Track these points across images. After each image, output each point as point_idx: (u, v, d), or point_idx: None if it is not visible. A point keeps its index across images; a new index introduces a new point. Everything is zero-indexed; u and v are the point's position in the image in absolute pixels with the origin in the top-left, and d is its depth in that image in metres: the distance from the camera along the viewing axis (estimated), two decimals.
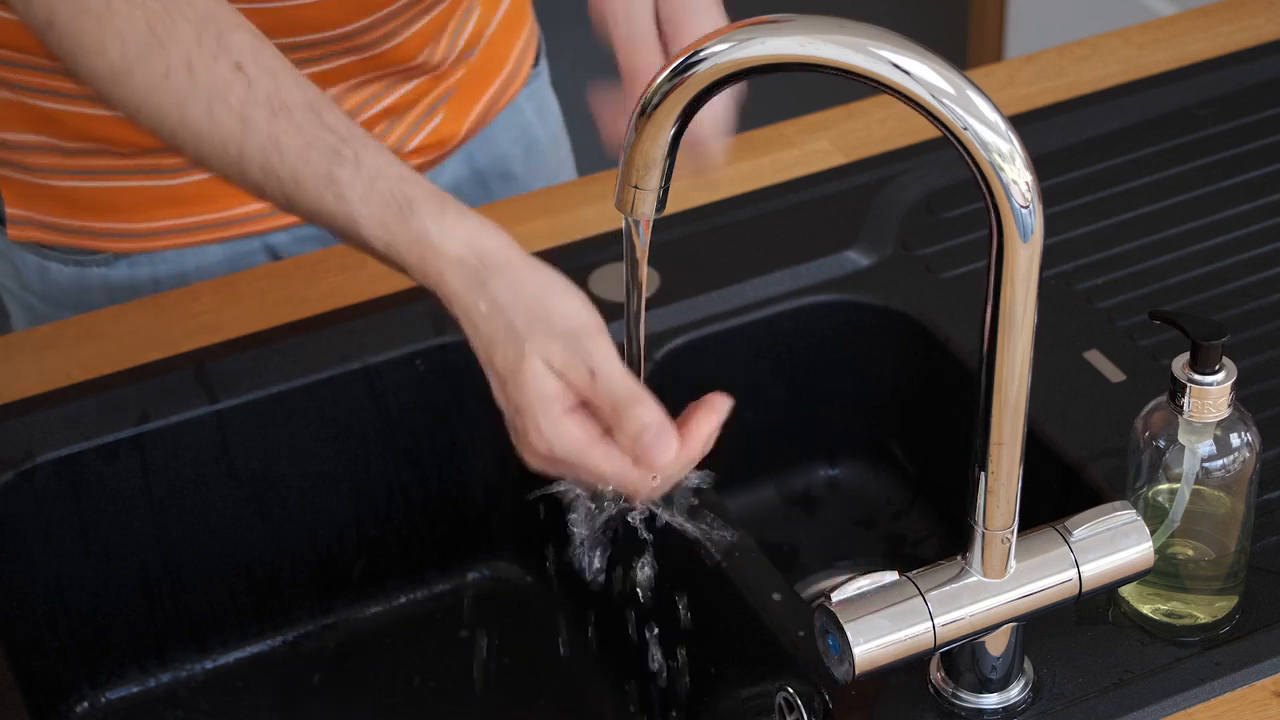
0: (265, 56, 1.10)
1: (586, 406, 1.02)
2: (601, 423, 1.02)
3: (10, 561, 1.23)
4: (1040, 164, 1.09)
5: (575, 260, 1.34)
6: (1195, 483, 1.06)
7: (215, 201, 1.38)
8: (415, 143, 1.43)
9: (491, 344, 1.04)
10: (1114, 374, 1.25)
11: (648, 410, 1.00)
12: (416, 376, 1.29)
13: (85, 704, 1.29)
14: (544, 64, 1.56)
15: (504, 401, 1.03)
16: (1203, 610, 1.09)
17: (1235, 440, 1.05)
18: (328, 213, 1.08)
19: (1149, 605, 1.10)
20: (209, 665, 1.31)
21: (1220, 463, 1.05)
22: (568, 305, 1.03)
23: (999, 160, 0.89)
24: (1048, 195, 1.26)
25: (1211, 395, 1.04)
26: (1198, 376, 1.04)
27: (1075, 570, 1.02)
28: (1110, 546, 1.02)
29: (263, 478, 1.28)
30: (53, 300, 1.42)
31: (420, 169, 1.43)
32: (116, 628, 1.28)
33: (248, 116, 1.08)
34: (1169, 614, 1.10)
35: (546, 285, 1.04)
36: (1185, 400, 1.04)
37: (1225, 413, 1.04)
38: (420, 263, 1.05)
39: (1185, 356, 1.04)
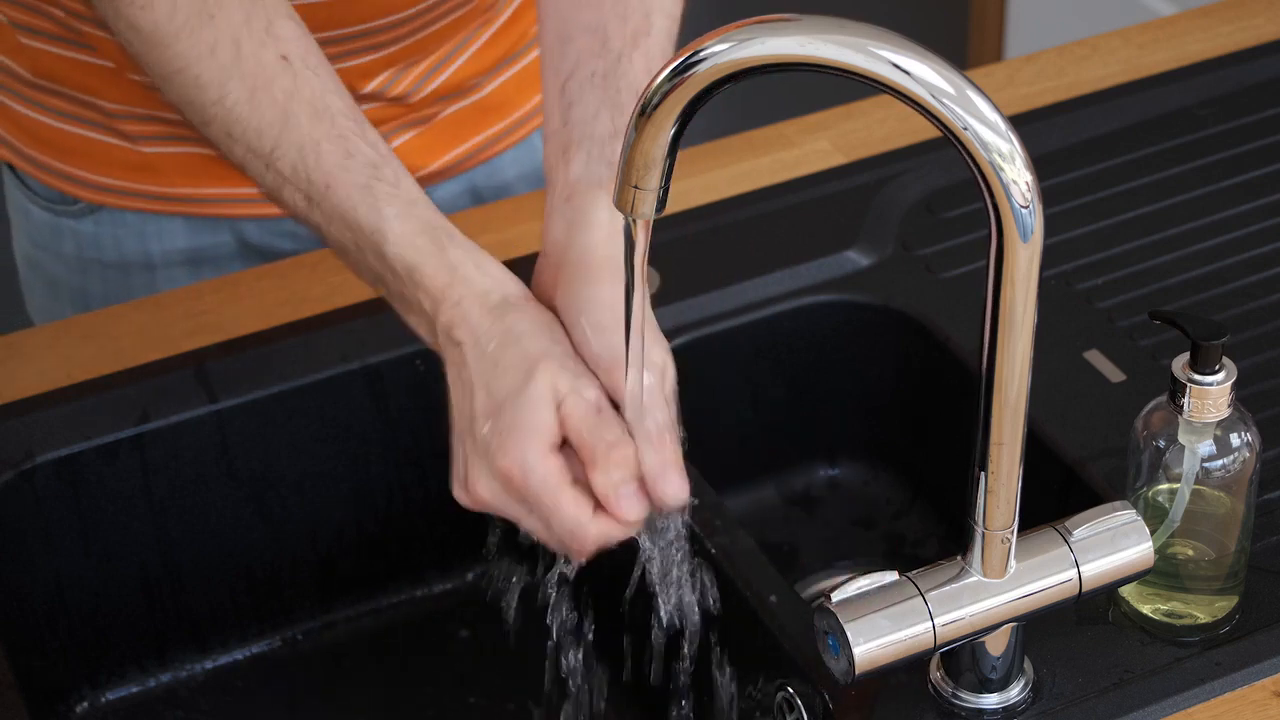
0: (312, 54, 1.10)
1: (564, 449, 1.03)
2: (575, 468, 1.03)
3: (10, 561, 1.23)
4: (1040, 164, 1.09)
5: None
6: (1195, 483, 1.06)
7: (177, 177, 1.38)
8: None
9: (494, 370, 1.04)
10: (1114, 374, 1.25)
11: (632, 461, 1.02)
12: (416, 376, 1.29)
13: (85, 704, 1.29)
14: None
15: (484, 429, 1.04)
16: (1202, 610, 1.09)
17: (1235, 440, 1.05)
18: (351, 219, 1.08)
19: (1149, 605, 1.10)
20: (209, 665, 1.31)
21: (1220, 463, 1.05)
22: (591, 343, 1.04)
23: (999, 160, 0.89)
24: (1048, 195, 1.26)
25: (1211, 395, 1.04)
26: (1198, 376, 1.03)
27: (1075, 570, 1.02)
28: (1110, 546, 1.02)
29: (263, 478, 1.28)
30: (36, 243, 1.45)
31: None
32: (116, 628, 1.28)
33: (290, 112, 1.08)
34: (1169, 614, 1.10)
35: (564, 324, 1.06)
36: (1185, 400, 1.04)
37: (1225, 413, 1.04)
38: (444, 288, 1.07)
39: (1185, 356, 1.04)
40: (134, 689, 1.30)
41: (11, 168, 1.44)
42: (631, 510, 1.02)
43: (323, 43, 1.30)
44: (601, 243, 1.09)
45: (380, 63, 1.35)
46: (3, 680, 1.10)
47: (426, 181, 1.45)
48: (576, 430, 1.03)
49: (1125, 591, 1.10)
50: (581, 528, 1.03)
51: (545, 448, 1.02)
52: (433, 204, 1.10)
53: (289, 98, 1.09)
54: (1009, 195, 0.89)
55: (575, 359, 1.05)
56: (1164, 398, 1.05)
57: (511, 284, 1.08)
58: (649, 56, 1.15)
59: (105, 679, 1.29)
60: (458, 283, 1.07)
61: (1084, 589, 1.02)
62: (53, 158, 1.39)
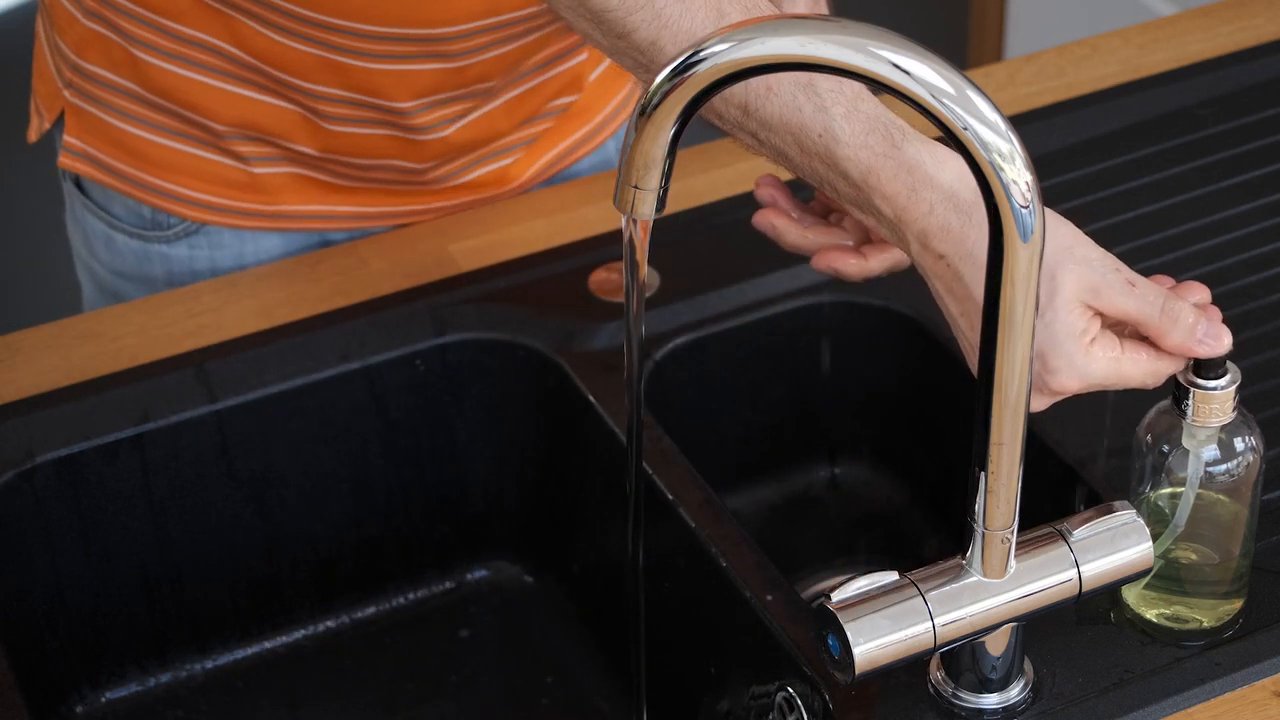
0: None
1: (1108, 327, 1.04)
2: (1127, 335, 1.04)
3: (10, 561, 1.23)
4: (1040, 164, 1.09)
5: (575, 260, 1.34)
6: (1199, 487, 1.05)
7: (284, 195, 1.38)
8: (473, 175, 1.42)
9: (967, 277, 1.02)
10: None
11: (1188, 306, 1.04)
12: (416, 376, 1.29)
13: (85, 704, 1.29)
14: None
15: None
16: (1206, 614, 1.09)
17: (1239, 444, 1.05)
18: (797, 124, 1.03)
19: (1152, 610, 1.09)
20: (209, 665, 1.31)
21: (1224, 467, 1.05)
22: (1080, 236, 1.04)
23: (999, 160, 0.89)
24: (1048, 195, 1.26)
25: (1216, 399, 1.03)
26: (1201, 381, 1.03)
27: (1075, 570, 1.02)
28: (1110, 547, 1.02)
29: (263, 478, 1.28)
30: (117, 271, 1.42)
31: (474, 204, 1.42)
32: (116, 628, 1.28)
33: (723, 11, 1.04)
34: (1172, 618, 1.09)
35: (1051, 216, 1.03)
36: (1189, 404, 1.04)
37: (1229, 417, 1.04)
38: (908, 193, 1.02)
39: (1189, 360, 1.04)
40: (134, 689, 1.30)
41: (87, 196, 1.41)
42: (1222, 341, 1.03)
43: (469, 33, 1.29)
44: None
45: (516, 54, 1.35)
46: (3, 680, 1.10)
47: (519, 190, 1.45)
48: (1122, 313, 1.03)
49: (1128, 596, 1.10)
50: (1156, 375, 1.05)
51: (1088, 347, 1.03)
52: (870, 93, 1.03)
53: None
54: (1009, 195, 0.89)
55: (1077, 235, 1.04)
56: (1167, 401, 1.05)
57: (970, 175, 1.00)
58: None
59: (105, 679, 1.29)
60: (922, 186, 1.01)
61: (1084, 589, 1.02)
62: (154, 175, 1.37)
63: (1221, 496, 1.06)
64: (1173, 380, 1.04)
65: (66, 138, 1.39)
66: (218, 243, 1.39)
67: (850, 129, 1.02)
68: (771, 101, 1.03)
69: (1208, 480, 1.05)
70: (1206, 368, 1.03)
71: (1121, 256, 1.34)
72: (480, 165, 1.41)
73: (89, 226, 1.42)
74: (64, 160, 1.40)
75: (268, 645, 1.33)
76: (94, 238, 1.42)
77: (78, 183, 1.42)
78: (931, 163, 1.02)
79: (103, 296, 1.45)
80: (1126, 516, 1.03)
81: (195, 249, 1.39)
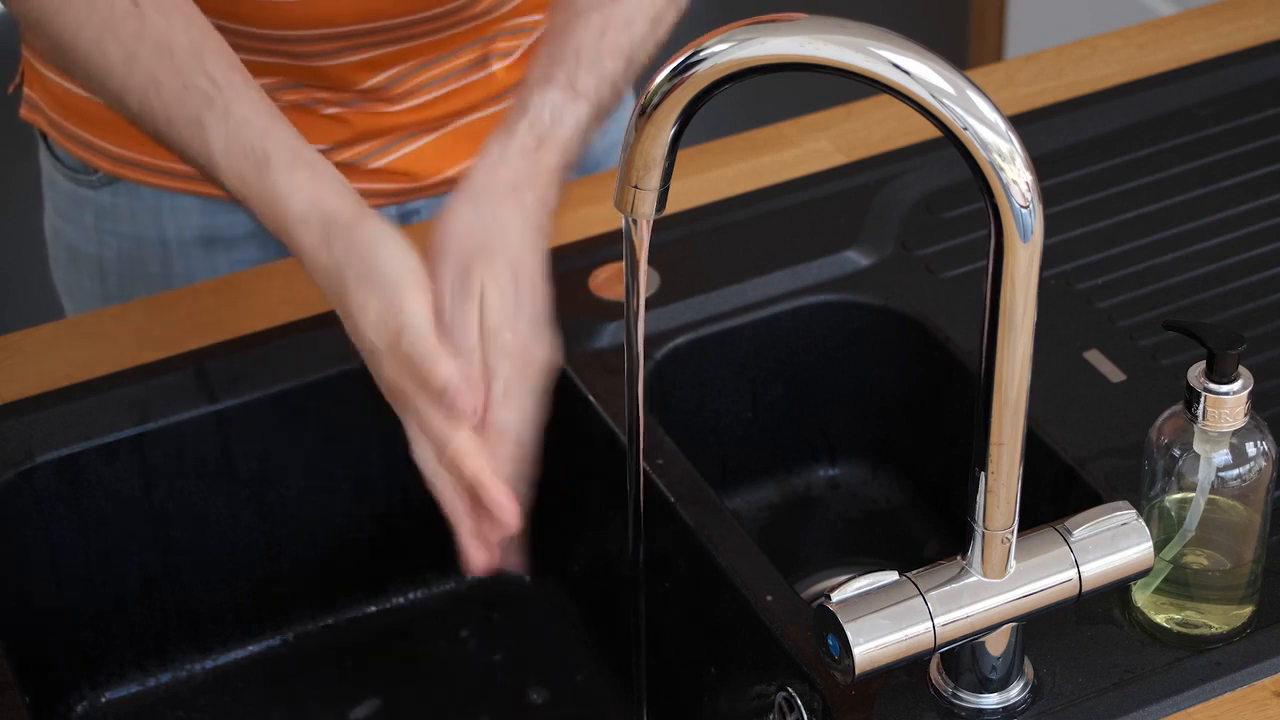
0: None
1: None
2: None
3: (10, 561, 1.23)
4: (1040, 164, 1.09)
5: (575, 260, 1.34)
6: (1211, 492, 1.05)
7: None
8: (386, 161, 1.42)
9: (332, 294, 1.10)
10: (1114, 374, 1.25)
11: (447, 366, 1.06)
12: None
13: (85, 704, 1.29)
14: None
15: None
16: (1218, 619, 1.09)
17: (1251, 449, 1.04)
18: (194, 155, 1.13)
19: (1163, 615, 1.09)
20: (209, 665, 1.31)
21: (1236, 472, 1.04)
22: (390, 261, 1.09)
23: (999, 160, 0.89)
24: (1048, 195, 1.26)
25: (1228, 404, 1.03)
26: (1214, 386, 1.03)
27: (1075, 570, 1.02)
28: (1110, 546, 1.02)
29: (263, 478, 1.28)
30: (60, 213, 1.47)
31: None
32: (116, 628, 1.28)
33: (133, 53, 1.13)
34: (1183, 623, 1.09)
35: (375, 240, 1.09)
36: (1201, 409, 1.03)
37: (1242, 422, 1.03)
38: (273, 218, 1.11)
39: (1201, 365, 1.03)
40: (134, 689, 1.30)
41: (44, 136, 1.45)
42: (466, 402, 1.08)
43: (330, 38, 1.31)
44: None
45: (389, 58, 1.35)
46: (3, 680, 1.10)
47: (444, 188, 1.44)
48: (397, 352, 1.08)
49: (1138, 599, 1.10)
50: (440, 430, 1.09)
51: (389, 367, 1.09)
52: (268, 117, 1.12)
53: (135, 40, 1.13)
54: (1009, 195, 0.90)
55: (386, 270, 1.09)
56: (1179, 406, 1.05)
57: (332, 196, 1.10)
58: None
59: (105, 679, 1.29)
60: (280, 213, 1.11)
61: (1084, 589, 1.02)
62: (78, 126, 1.40)
63: (1233, 502, 1.06)
64: (1185, 384, 1.04)
65: (26, 90, 1.45)
66: (136, 194, 1.41)
67: (227, 163, 1.12)
68: (173, 132, 1.14)
69: (1219, 485, 1.05)
70: (1219, 372, 1.03)
71: (1122, 257, 1.35)
72: (392, 150, 1.41)
73: (44, 169, 1.47)
74: (24, 112, 1.45)
75: (268, 645, 1.33)
76: (46, 179, 1.47)
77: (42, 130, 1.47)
78: (286, 190, 1.11)
79: (55, 240, 1.49)
80: (1126, 516, 1.03)
81: (117, 197, 1.42)
